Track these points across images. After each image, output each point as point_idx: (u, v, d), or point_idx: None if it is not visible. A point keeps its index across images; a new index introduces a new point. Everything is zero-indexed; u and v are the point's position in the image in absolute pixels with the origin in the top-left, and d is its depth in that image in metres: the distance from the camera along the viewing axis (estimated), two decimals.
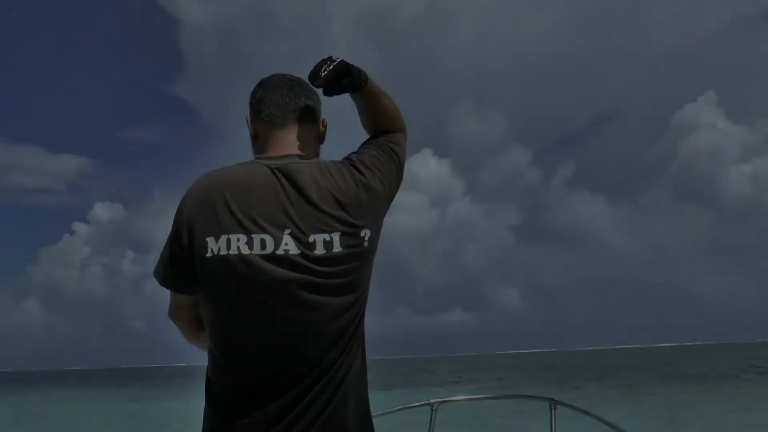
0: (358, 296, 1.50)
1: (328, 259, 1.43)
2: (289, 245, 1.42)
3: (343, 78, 1.55)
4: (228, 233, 1.43)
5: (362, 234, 1.48)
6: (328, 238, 1.44)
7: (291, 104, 1.62)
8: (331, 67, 1.53)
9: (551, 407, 3.15)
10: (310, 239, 1.43)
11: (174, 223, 1.51)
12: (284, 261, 1.41)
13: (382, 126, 1.70)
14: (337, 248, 1.44)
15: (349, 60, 1.57)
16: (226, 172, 1.53)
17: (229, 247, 1.42)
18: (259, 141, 1.64)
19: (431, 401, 3.42)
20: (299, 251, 1.42)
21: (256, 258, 1.41)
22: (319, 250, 1.43)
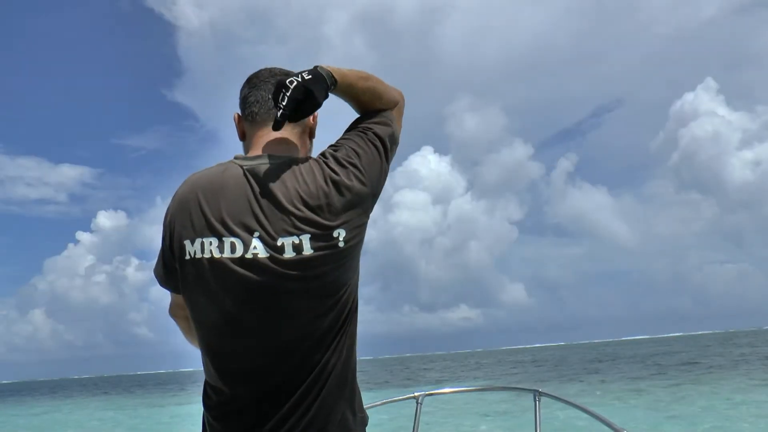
0: (340, 297, 1.45)
1: (299, 263, 1.39)
2: (257, 249, 1.40)
3: (302, 103, 1.45)
4: (201, 237, 1.43)
5: (335, 234, 1.42)
6: (297, 241, 1.39)
7: (273, 104, 1.54)
8: (285, 101, 1.42)
9: (535, 398, 3.15)
10: (279, 243, 1.39)
11: (162, 227, 1.54)
12: (253, 265, 1.39)
13: (370, 108, 1.63)
14: (307, 251, 1.39)
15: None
16: (203, 174, 1.53)
17: (203, 250, 1.42)
18: (246, 140, 1.62)
19: (416, 394, 3.40)
20: (268, 255, 1.39)
21: (227, 262, 1.40)
22: (288, 254, 1.39)
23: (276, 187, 1.43)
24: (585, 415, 2.85)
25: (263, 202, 1.43)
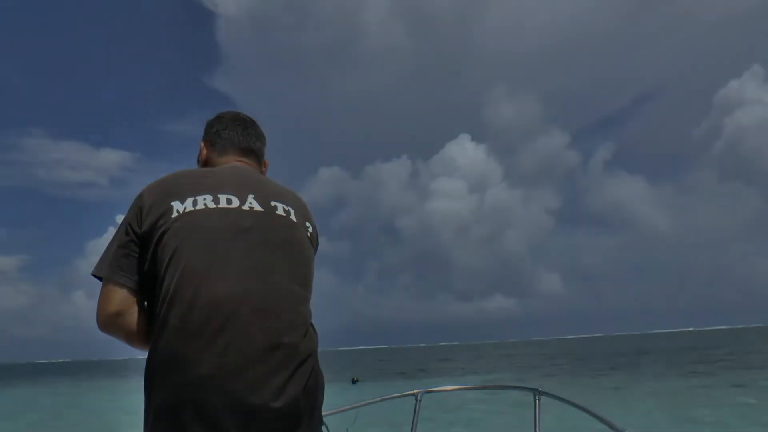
0: (309, 275, 1.59)
1: (288, 223, 1.59)
2: (253, 204, 1.57)
3: None
4: (195, 195, 1.54)
5: (307, 224, 1.67)
6: (287, 208, 1.62)
7: (243, 142, 1.84)
8: None
9: (535, 397, 3.12)
10: (272, 203, 1.60)
11: (128, 212, 1.57)
12: (248, 214, 1.54)
13: None
14: (294, 218, 1.62)
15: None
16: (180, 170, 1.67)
17: (195, 204, 1.52)
18: (209, 165, 1.81)
19: (415, 391, 3.40)
20: (263, 210, 1.57)
21: (223, 209, 1.53)
22: (280, 212, 1.59)
23: (258, 176, 1.73)
24: (586, 415, 2.75)
25: (254, 179, 1.67)
